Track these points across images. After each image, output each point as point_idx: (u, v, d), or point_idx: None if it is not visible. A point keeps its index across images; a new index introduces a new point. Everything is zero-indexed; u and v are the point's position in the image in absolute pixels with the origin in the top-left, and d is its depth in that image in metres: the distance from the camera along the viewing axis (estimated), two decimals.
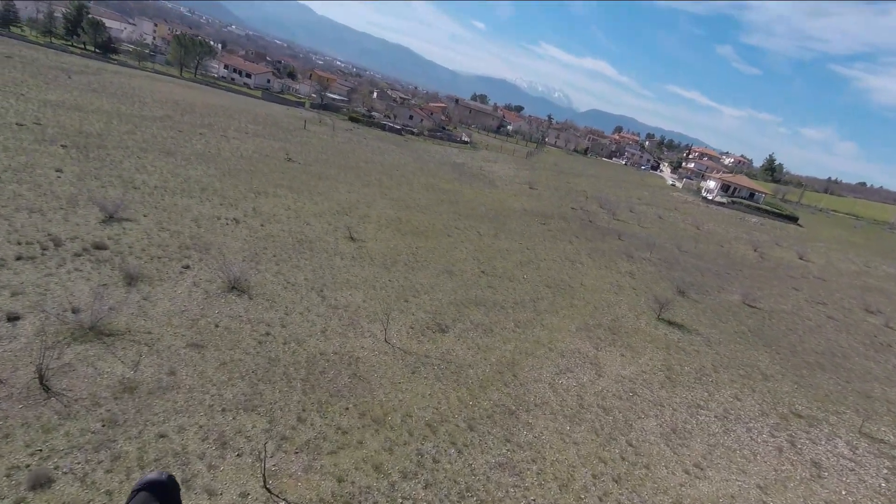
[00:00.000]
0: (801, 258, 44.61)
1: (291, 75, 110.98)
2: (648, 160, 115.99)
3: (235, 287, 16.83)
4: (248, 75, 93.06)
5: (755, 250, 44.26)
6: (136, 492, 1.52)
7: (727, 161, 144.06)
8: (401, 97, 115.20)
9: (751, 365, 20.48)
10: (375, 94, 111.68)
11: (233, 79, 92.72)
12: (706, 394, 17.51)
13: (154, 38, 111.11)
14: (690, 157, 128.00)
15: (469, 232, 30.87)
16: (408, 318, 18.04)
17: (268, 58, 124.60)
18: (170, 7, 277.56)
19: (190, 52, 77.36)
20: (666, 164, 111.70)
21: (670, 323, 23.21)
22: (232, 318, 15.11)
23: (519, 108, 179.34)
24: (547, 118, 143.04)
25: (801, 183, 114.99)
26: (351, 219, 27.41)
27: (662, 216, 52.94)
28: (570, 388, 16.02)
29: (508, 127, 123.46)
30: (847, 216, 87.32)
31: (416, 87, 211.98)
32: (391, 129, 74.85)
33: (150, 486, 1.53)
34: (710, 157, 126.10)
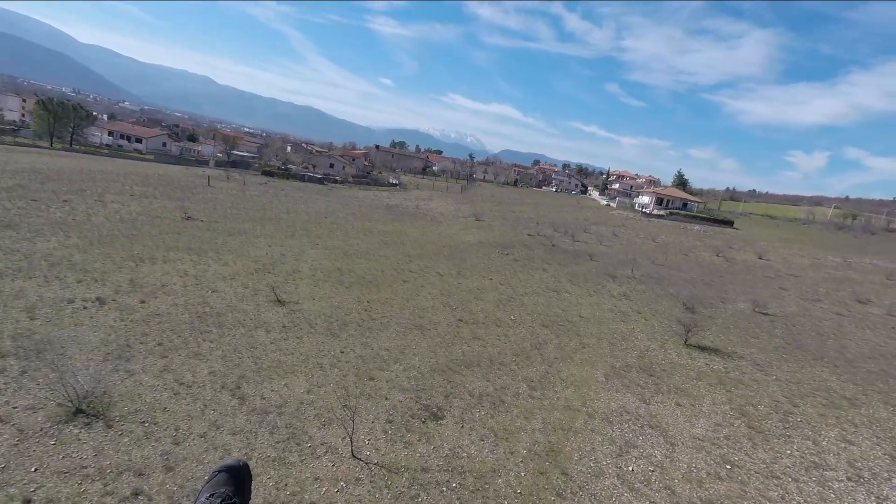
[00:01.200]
0: (760, 258, 43.43)
1: (192, 138, 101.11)
2: (577, 185, 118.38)
3: (82, 410, 9.77)
4: (139, 140, 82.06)
5: (718, 255, 42.48)
6: (216, 473, 1.64)
7: (641, 181, 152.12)
8: (317, 150, 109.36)
9: (823, 388, 16.10)
10: (289, 148, 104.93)
11: (120, 145, 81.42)
12: (810, 443, 12.60)
13: (22, 114, 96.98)
14: (612, 179, 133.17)
15: (427, 274, 25.18)
16: (381, 408, 11.73)
17: (164, 123, 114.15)
18: (49, 88, 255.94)
19: (61, 118, 65.53)
20: (592, 188, 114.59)
21: (702, 348, 18.61)
22: (66, 474, 8.08)
23: (438, 152, 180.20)
24: (469, 157, 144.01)
25: (714, 194, 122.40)
26: (276, 277, 20.74)
27: (616, 233, 50.56)
28: (648, 478, 10.39)
29: (434, 167, 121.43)
30: (764, 217, 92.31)
31: (331, 143, 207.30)
32: (311, 179, 68.24)
33: (229, 470, 1.65)
34: (629, 178, 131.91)
